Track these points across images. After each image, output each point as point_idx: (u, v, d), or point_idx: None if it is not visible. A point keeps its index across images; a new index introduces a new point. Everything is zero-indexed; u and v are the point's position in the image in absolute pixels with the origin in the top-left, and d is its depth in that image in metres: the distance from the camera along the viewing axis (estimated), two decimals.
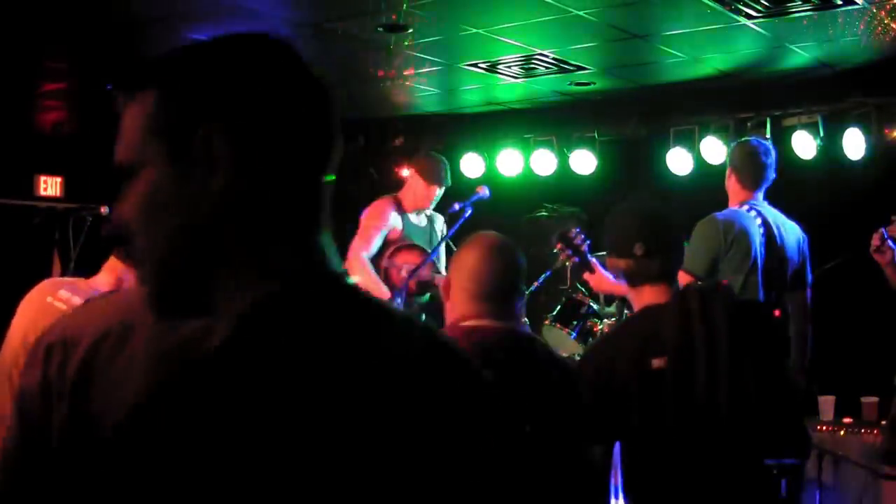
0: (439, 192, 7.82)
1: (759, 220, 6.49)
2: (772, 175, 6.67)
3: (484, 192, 7.21)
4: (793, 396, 3.97)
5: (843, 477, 7.33)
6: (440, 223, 8.18)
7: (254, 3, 6.79)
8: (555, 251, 6.25)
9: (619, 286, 4.05)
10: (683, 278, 6.18)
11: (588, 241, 6.03)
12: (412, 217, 8.02)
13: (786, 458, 3.86)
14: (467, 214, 7.16)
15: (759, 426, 3.53)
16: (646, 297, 3.76)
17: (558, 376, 3.40)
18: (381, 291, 7.24)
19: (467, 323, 3.43)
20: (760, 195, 6.66)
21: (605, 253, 4.11)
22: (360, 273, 7.33)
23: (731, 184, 6.74)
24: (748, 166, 6.67)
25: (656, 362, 3.54)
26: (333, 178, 1.77)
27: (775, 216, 6.64)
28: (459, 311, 3.48)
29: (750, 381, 3.51)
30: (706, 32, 7.58)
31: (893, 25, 7.31)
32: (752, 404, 3.50)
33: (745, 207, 6.54)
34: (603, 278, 5.65)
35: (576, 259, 6.07)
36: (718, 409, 3.45)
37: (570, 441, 3.33)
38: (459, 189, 7.58)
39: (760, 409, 3.52)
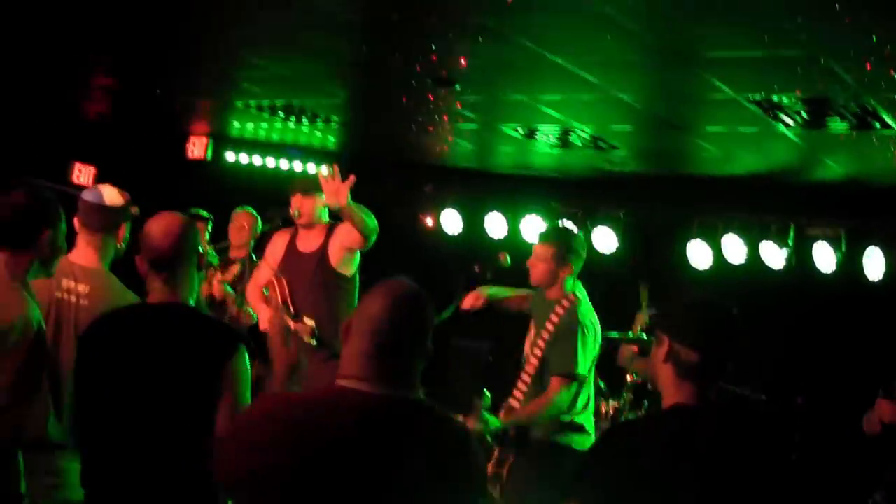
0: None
1: None
2: None
3: (505, 260, 7.13)
4: None
5: None
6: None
7: (314, 41, 6.93)
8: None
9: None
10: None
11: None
12: None
13: None
14: (486, 279, 7.07)
15: None
16: (682, 394, 3.63)
17: (438, 450, 3.14)
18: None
19: (345, 382, 3.20)
20: None
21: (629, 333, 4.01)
22: None
23: None
24: None
25: (683, 465, 3.45)
26: None
27: None
28: (347, 364, 3.23)
29: None
30: (743, 134, 7.69)
31: None
32: None
33: None
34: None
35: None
36: None
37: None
38: (482, 246, 7.57)
39: None
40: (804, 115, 6.78)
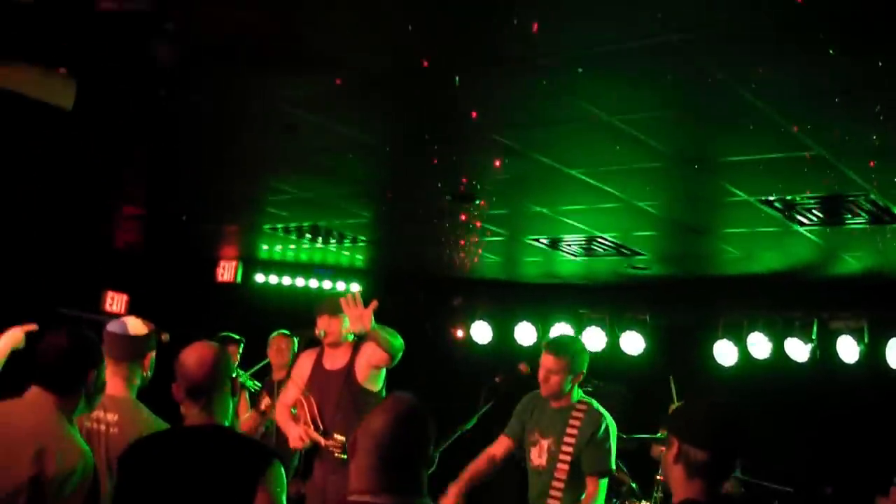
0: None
1: None
2: None
3: (525, 369, 7.22)
4: None
5: None
6: None
7: (336, 164, 7.13)
8: None
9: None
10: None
11: None
12: None
13: None
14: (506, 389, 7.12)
15: None
16: (692, 489, 3.72)
17: None
18: None
19: (354, 498, 3.41)
20: None
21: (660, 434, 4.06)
22: None
23: None
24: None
25: None
26: None
27: None
28: (355, 479, 3.45)
29: None
30: (762, 234, 7.81)
31: None
32: None
33: None
34: None
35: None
36: None
37: None
38: (512, 355, 7.62)
39: None
40: (819, 213, 6.90)
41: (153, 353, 5.34)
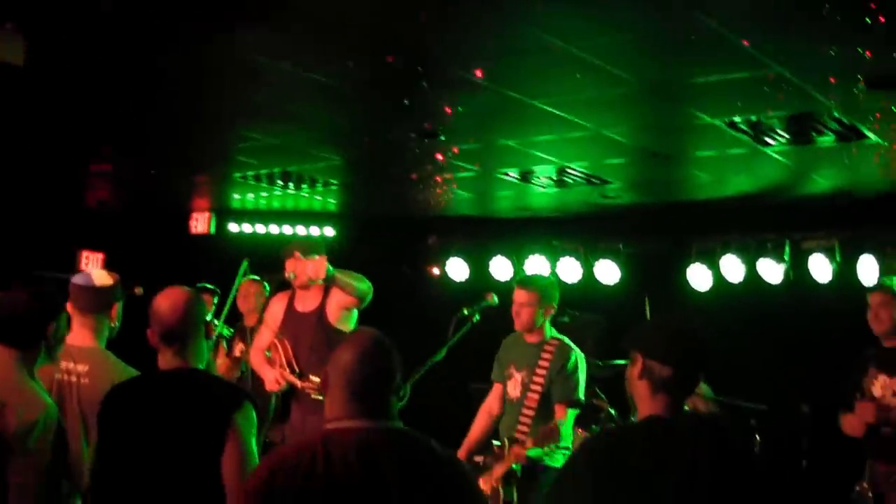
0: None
1: None
2: None
3: (492, 299, 7.34)
4: None
5: None
6: None
7: (302, 110, 7.11)
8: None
9: None
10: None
11: None
12: None
13: None
14: (475, 321, 7.21)
15: None
16: (657, 405, 3.82)
17: (433, 469, 3.57)
18: None
19: (331, 426, 3.61)
20: None
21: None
22: None
23: None
24: None
25: (660, 470, 3.62)
26: None
27: None
28: (330, 410, 3.65)
29: None
30: (730, 157, 7.84)
31: None
32: None
33: None
34: None
35: None
36: None
37: None
38: (488, 290, 7.67)
39: None
40: (785, 133, 6.92)
41: (120, 304, 5.37)
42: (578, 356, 7.02)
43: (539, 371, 6.97)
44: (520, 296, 7.11)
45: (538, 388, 6.94)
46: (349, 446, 3.49)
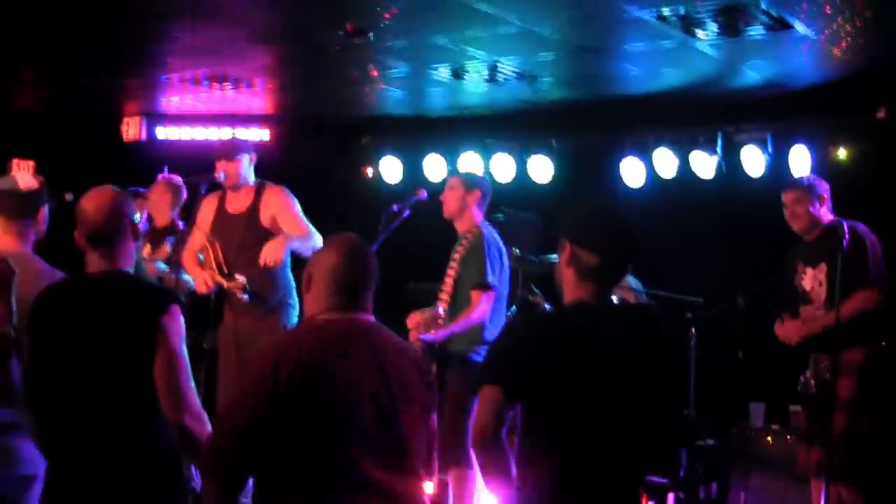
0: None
1: None
2: None
3: (422, 195, 7.35)
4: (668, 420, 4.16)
5: (767, 481, 7.66)
6: None
7: (228, 6, 7.00)
8: None
9: None
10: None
11: None
12: None
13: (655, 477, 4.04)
14: (405, 215, 7.25)
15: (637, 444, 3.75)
16: (583, 292, 3.82)
17: (397, 355, 3.88)
18: None
19: (322, 316, 3.87)
20: None
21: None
22: None
23: None
24: None
25: (585, 359, 3.67)
26: None
27: None
28: (314, 306, 3.93)
29: (646, 398, 3.75)
30: (662, 51, 7.85)
31: (835, 51, 7.63)
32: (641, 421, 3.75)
33: None
34: None
35: None
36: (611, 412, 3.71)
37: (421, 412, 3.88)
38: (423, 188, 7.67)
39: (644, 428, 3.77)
40: (715, 25, 6.93)
41: (46, 208, 5.26)
42: (491, 241, 7.18)
43: (455, 257, 7.20)
44: (447, 184, 7.46)
45: (452, 272, 7.19)
46: (338, 332, 3.81)
